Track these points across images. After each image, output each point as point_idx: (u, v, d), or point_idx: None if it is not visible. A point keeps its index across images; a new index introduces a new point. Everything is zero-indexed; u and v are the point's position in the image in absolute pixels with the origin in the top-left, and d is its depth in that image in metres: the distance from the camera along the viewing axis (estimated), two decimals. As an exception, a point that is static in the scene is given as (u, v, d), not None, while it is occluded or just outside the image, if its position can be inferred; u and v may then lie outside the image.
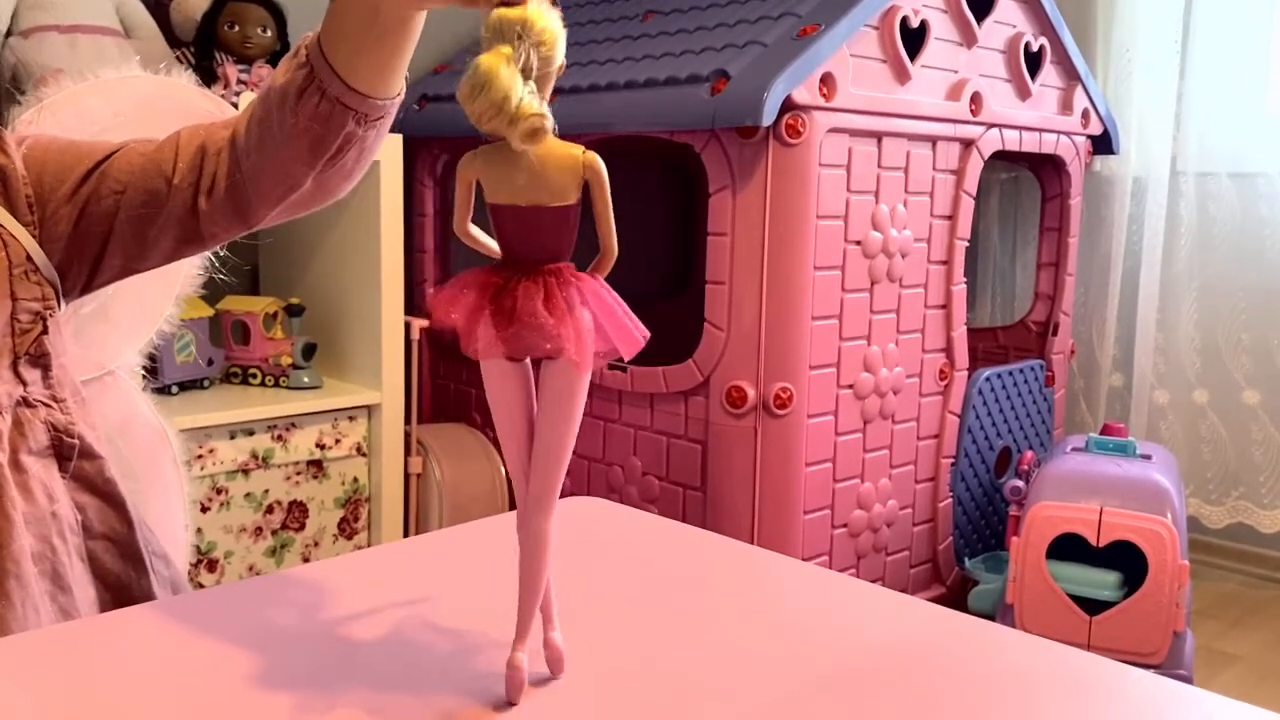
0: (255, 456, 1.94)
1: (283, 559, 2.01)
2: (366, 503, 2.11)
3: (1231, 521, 2.53)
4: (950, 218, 2.07)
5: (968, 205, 2.09)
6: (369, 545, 2.12)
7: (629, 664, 0.67)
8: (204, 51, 1.96)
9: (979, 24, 2.04)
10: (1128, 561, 1.74)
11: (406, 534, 2.14)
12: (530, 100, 0.54)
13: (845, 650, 0.70)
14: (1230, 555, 2.61)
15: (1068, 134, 2.35)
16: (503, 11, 0.55)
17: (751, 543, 1.81)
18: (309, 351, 2.08)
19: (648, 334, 0.60)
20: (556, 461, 0.60)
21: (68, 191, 0.89)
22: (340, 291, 2.11)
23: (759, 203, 1.77)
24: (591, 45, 2.12)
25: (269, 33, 1.98)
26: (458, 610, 0.74)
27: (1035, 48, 2.19)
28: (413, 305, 2.24)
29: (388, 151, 1.98)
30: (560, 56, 0.56)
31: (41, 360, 0.87)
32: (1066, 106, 2.33)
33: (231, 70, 1.93)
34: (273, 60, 1.98)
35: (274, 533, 2.00)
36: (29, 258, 0.87)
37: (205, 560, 1.91)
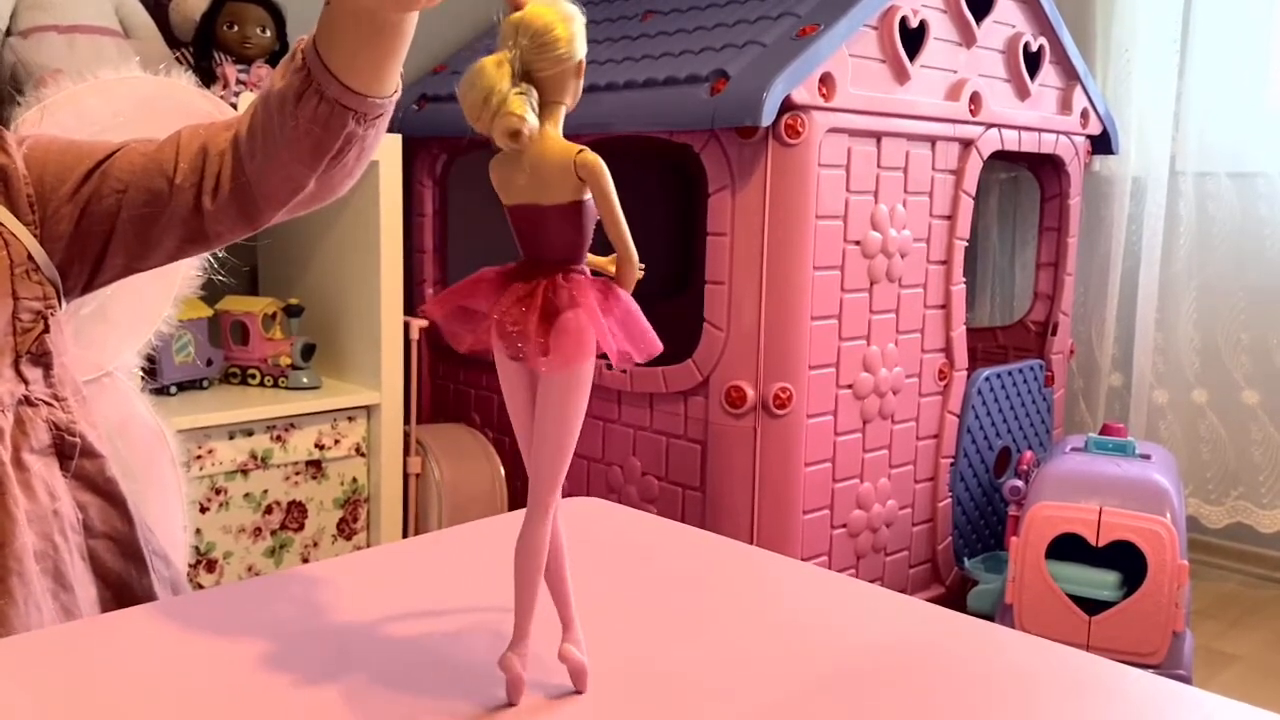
0: (254, 457, 1.94)
1: (282, 559, 2.01)
2: (366, 503, 2.11)
3: (1231, 521, 2.53)
4: (949, 218, 2.07)
5: (967, 205, 2.09)
6: (368, 546, 2.12)
7: (628, 664, 0.67)
8: (203, 52, 1.96)
9: (978, 24, 2.04)
10: (1127, 561, 1.74)
11: (406, 534, 2.14)
12: (513, 100, 0.54)
13: (844, 650, 0.70)
14: (1229, 555, 2.61)
15: (1067, 134, 2.35)
16: (510, 15, 0.56)
17: (751, 543, 1.81)
18: (308, 352, 2.08)
19: (657, 346, 0.59)
20: (549, 465, 0.59)
21: (69, 191, 0.89)
22: (339, 292, 2.11)
23: (758, 203, 1.77)
24: (591, 45, 2.12)
25: (268, 33, 1.98)
26: (457, 611, 0.74)
27: (1034, 47, 2.19)
28: (412, 305, 2.24)
29: (387, 151, 1.98)
30: (573, 52, 0.56)
31: (43, 359, 0.88)
32: (1066, 106, 2.33)
33: (230, 70, 1.93)
34: (272, 60, 1.98)
35: (273, 533, 2.00)
36: (30, 257, 0.87)
37: (204, 560, 1.91)
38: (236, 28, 1.95)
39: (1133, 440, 1.93)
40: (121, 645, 0.69)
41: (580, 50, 0.57)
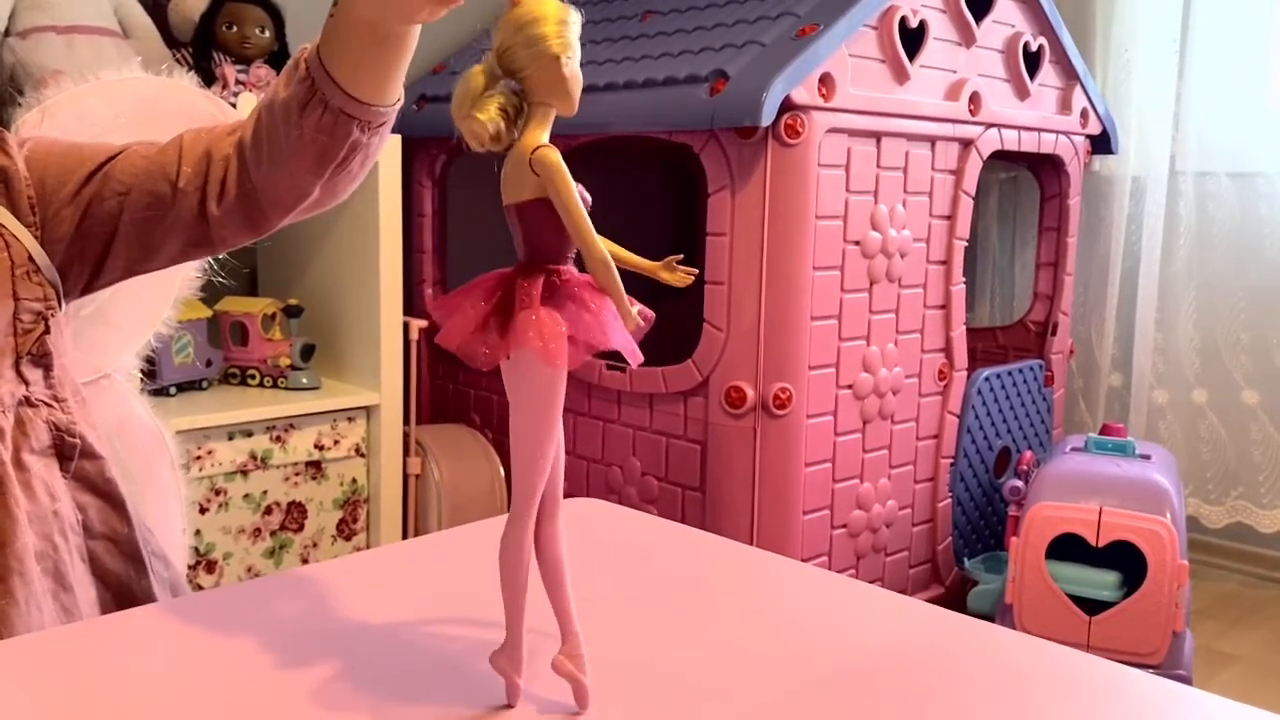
0: (254, 457, 1.94)
1: (281, 560, 2.01)
2: (365, 504, 2.11)
3: (1231, 521, 2.53)
4: (949, 218, 2.07)
5: (967, 205, 2.09)
6: (368, 546, 2.11)
7: (628, 665, 0.67)
8: (202, 52, 1.95)
9: (978, 24, 2.04)
10: (1127, 561, 1.74)
11: (405, 535, 2.14)
12: (480, 103, 0.56)
13: (844, 651, 0.70)
14: (1229, 555, 2.61)
15: (1066, 134, 2.35)
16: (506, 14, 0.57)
17: (751, 543, 1.81)
18: (307, 352, 2.07)
19: (628, 347, 0.57)
20: (521, 466, 0.59)
21: (70, 193, 0.89)
22: (339, 292, 2.11)
23: (758, 203, 1.77)
24: (590, 45, 2.12)
25: (267, 33, 1.98)
26: (458, 613, 0.74)
27: (1034, 47, 2.19)
28: (411, 306, 2.24)
29: (386, 152, 1.97)
30: (549, 47, 0.56)
31: (43, 360, 0.88)
32: (1065, 106, 2.33)
33: (230, 71, 1.93)
34: (271, 60, 1.97)
35: (273, 534, 1.99)
36: (31, 258, 0.87)
37: (204, 561, 1.91)
38: (235, 28, 1.95)
39: (1133, 440, 1.93)
40: (121, 647, 0.69)
41: (560, 46, 0.56)
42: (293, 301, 2.11)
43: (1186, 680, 1.71)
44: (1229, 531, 2.56)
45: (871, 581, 2.01)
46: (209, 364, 2.03)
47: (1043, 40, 2.21)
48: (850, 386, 1.92)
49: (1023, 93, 2.19)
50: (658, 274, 0.61)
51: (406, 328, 2.10)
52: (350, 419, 2.06)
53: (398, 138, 2.01)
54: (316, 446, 2.02)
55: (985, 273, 2.89)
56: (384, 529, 2.10)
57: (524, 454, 0.58)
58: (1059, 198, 2.43)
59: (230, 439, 1.91)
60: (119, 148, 0.91)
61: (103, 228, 0.90)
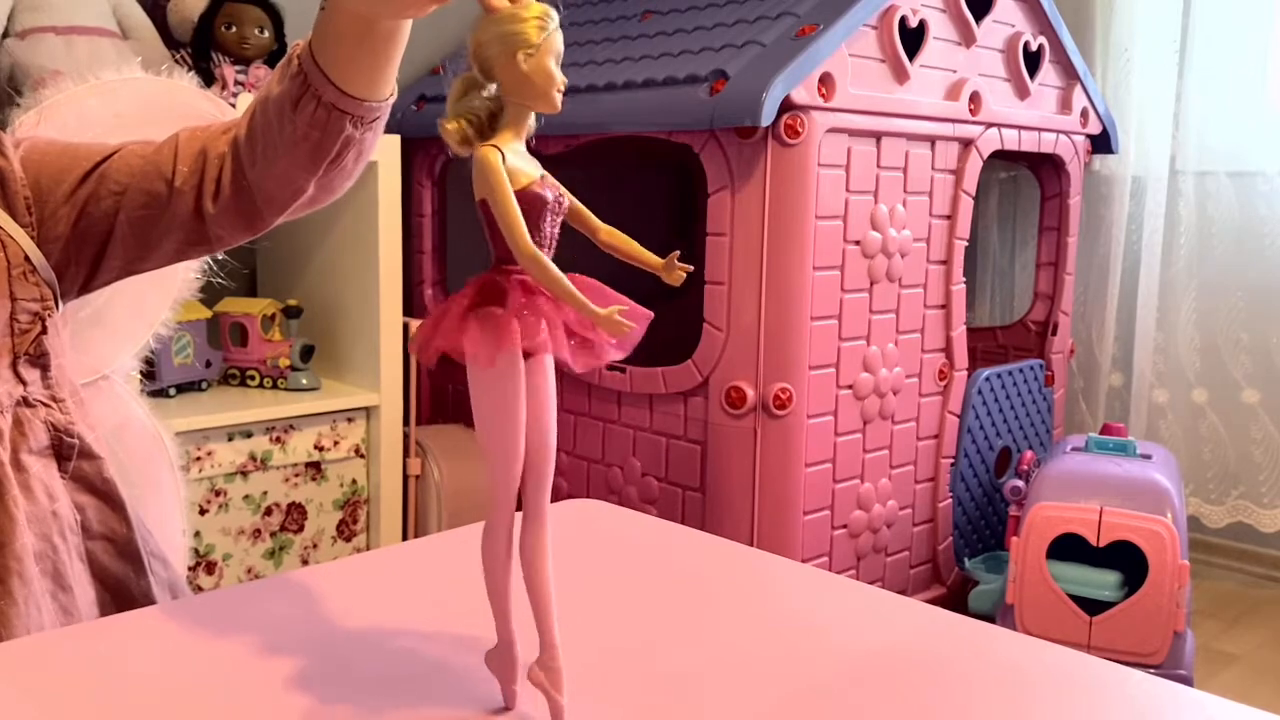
0: (254, 458, 1.94)
1: (281, 561, 2.01)
2: (365, 504, 2.11)
3: (1231, 521, 2.53)
4: (949, 217, 2.06)
5: (967, 205, 2.08)
6: (368, 547, 2.11)
7: (628, 666, 0.67)
8: (201, 52, 1.95)
9: (978, 23, 2.04)
10: (1128, 561, 1.73)
11: (405, 536, 2.14)
12: (453, 109, 0.58)
13: (844, 653, 0.70)
14: (1230, 554, 2.61)
15: (1067, 133, 2.35)
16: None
17: (751, 544, 1.81)
18: (307, 353, 2.07)
19: (560, 354, 0.56)
20: (488, 469, 0.58)
21: (66, 192, 0.89)
22: (338, 293, 2.11)
23: (758, 203, 1.77)
24: (590, 45, 2.12)
25: (266, 33, 1.97)
26: (459, 615, 0.73)
27: (1034, 47, 2.19)
28: (411, 306, 2.24)
29: (386, 152, 1.98)
30: (514, 43, 0.56)
31: (41, 360, 0.88)
32: (1065, 106, 2.33)
33: (229, 71, 1.93)
34: (270, 61, 1.97)
35: (273, 535, 1.99)
36: (27, 258, 0.87)
37: (204, 562, 1.91)
38: (235, 28, 1.95)
39: (1133, 440, 1.92)
40: (121, 649, 0.69)
41: (519, 43, 0.56)
42: (292, 302, 2.11)
43: (1187, 680, 1.71)
44: (1230, 531, 2.56)
45: (872, 582, 2.00)
46: (208, 365, 2.03)
47: (1043, 40, 2.21)
48: (850, 386, 1.92)
49: (1023, 92, 2.19)
50: (660, 271, 0.60)
51: (406, 328, 2.09)
52: (350, 420, 2.06)
53: (397, 138, 2.01)
54: (316, 447, 2.01)
55: (985, 272, 2.89)
56: (384, 530, 2.09)
57: (486, 456, 0.58)
58: (1059, 197, 2.43)
59: (230, 440, 1.91)
60: (114, 147, 0.91)
61: (99, 227, 0.89)
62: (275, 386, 2.06)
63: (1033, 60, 2.20)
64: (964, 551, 2.23)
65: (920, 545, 2.15)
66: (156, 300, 1.17)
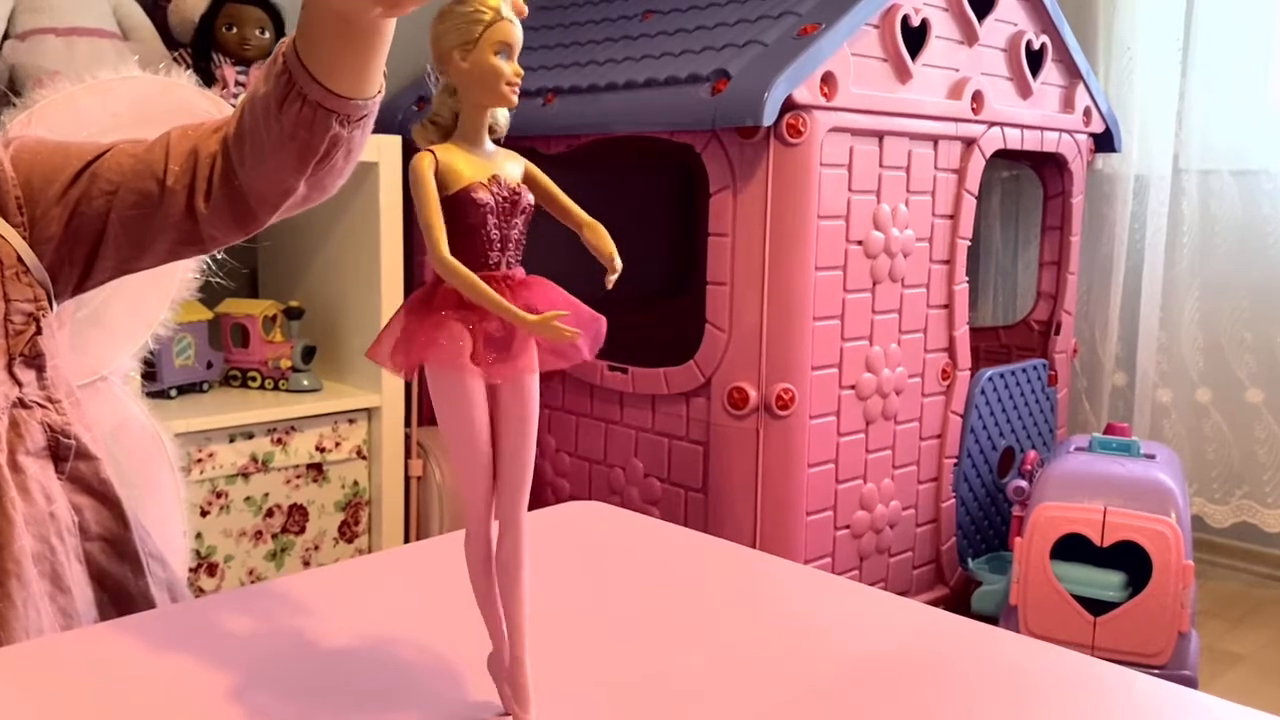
0: (255, 460, 1.94)
1: (283, 563, 2.01)
2: (367, 506, 2.11)
3: (1236, 521, 2.52)
4: (952, 217, 2.06)
5: (969, 204, 2.08)
6: (369, 549, 2.11)
7: (630, 668, 0.66)
8: (201, 53, 1.95)
9: (980, 22, 2.04)
10: (1132, 562, 1.73)
11: (407, 537, 2.14)
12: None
13: (846, 655, 0.69)
14: (1234, 554, 2.60)
15: (1069, 132, 2.34)
16: None
17: (754, 544, 1.81)
18: (308, 354, 2.07)
19: (485, 366, 0.55)
20: (457, 474, 0.58)
21: (57, 192, 0.88)
22: (340, 294, 2.11)
23: (760, 203, 1.76)
24: (591, 45, 2.12)
25: (267, 34, 1.97)
26: (460, 617, 0.73)
27: (1036, 46, 2.19)
28: (413, 307, 2.23)
29: (386, 153, 1.97)
30: (457, 37, 0.54)
31: (36, 361, 0.87)
32: (1068, 104, 2.32)
33: (229, 72, 1.93)
34: (271, 62, 1.97)
35: (274, 536, 1.99)
36: (20, 259, 0.87)
37: (205, 564, 1.91)
38: (235, 29, 1.94)
39: (1137, 440, 1.92)
40: (121, 653, 0.68)
41: (452, 41, 0.54)
42: (293, 303, 2.10)
43: (1192, 681, 1.70)
44: (1234, 531, 2.55)
45: (875, 583, 2.00)
46: (209, 366, 2.03)
47: (1045, 38, 2.21)
48: (853, 387, 1.91)
49: (1025, 91, 2.18)
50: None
51: (407, 329, 2.09)
52: (351, 421, 2.05)
53: (398, 139, 2.00)
54: (318, 449, 2.01)
55: (988, 272, 2.89)
56: (386, 531, 2.09)
57: (453, 463, 0.57)
58: (1062, 196, 2.43)
59: (231, 441, 1.91)
60: (106, 146, 0.90)
61: (91, 227, 0.89)
62: (276, 388, 2.06)
63: (1035, 59, 2.20)
64: (967, 552, 2.22)
65: (923, 546, 2.15)
66: (155, 300, 1.17)
